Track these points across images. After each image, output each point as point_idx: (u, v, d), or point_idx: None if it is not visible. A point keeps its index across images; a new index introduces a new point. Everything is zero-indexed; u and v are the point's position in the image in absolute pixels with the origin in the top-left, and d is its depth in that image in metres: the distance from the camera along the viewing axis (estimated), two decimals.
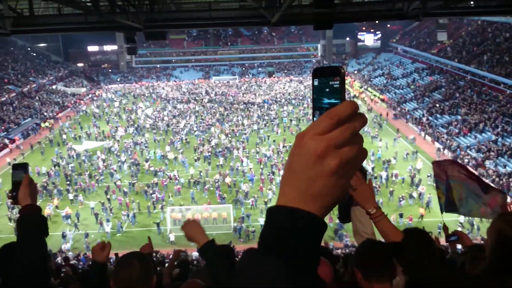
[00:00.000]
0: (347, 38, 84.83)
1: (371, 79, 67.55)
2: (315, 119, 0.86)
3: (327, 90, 0.87)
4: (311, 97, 0.90)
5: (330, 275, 2.87)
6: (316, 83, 0.89)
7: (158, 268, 8.94)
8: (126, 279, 2.46)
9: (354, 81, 68.95)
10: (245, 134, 42.94)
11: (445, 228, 5.69)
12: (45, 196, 31.27)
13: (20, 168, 2.38)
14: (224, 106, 55.53)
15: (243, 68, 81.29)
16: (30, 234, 2.18)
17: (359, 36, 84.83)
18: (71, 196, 31.06)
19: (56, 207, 29.42)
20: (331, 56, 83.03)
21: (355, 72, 75.72)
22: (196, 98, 61.10)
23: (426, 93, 52.00)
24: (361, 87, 64.21)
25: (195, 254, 21.37)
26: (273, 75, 77.81)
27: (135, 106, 57.66)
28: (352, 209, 3.22)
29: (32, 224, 2.22)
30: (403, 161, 35.63)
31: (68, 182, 32.89)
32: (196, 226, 2.84)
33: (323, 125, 0.81)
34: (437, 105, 47.01)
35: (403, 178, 32.26)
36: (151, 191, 31.08)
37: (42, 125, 50.17)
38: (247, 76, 77.43)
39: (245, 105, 55.76)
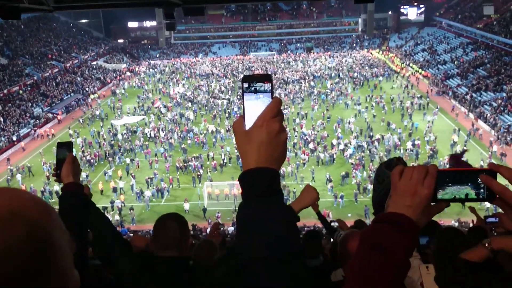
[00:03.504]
0: (389, 12, 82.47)
1: (413, 54, 65.62)
2: (245, 109, 1.20)
3: (261, 90, 1.20)
4: (242, 95, 1.21)
5: None
6: (246, 85, 1.20)
7: (194, 242, 9.05)
8: (163, 238, 2.57)
9: (395, 56, 67.17)
10: (285, 111, 42.53)
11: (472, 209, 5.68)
12: (97, 164, 33.44)
13: (64, 147, 2.40)
14: None
15: (281, 44, 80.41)
16: (72, 211, 2.23)
17: (402, 10, 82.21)
18: (128, 160, 32.89)
19: (120, 178, 30.66)
20: (372, 31, 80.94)
21: (397, 47, 73.75)
22: (234, 74, 61.02)
23: (471, 69, 50.16)
24: (402, 63, 62.52)
25: (231, 229, 21.69)
26: (312, 51, 76.68)
27: (173, 82, 58.24)
28: (387, 204, 3.18)
29: (74, 201, 2.27)
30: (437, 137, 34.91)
31: (120, 151, 34.82)
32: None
33: (275, 111, 1.17)
34: (481, 81, 45.33)
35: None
36: (193, 163, 31.75)
37: (92, 96, 52.59)
38: (284, 53, 76.51)
39: (282, 81, 55.37)
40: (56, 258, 0.85)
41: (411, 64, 60.75)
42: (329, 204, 26.22)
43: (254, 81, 1.20)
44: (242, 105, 1.22)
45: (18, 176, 31.25)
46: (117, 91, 54.73)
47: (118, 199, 27.97)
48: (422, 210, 1.23)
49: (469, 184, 1.24)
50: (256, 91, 1.20)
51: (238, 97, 48.65)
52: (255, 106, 1.19)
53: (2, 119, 41.08)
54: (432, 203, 1.25)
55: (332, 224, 6.17)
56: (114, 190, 28.78)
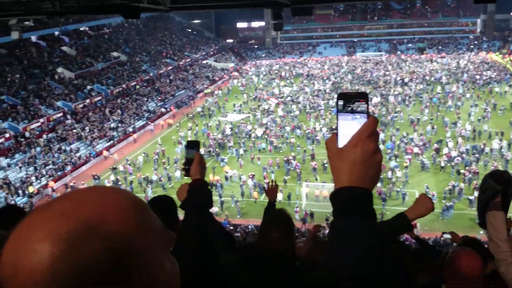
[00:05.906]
0: None
1: None
2: (339, 127, 1.17)
3: (356, 108, 1.17)
4: (336, 112, 1.19)
5: (478, 270, 2.58)
6: (341, 103, 1.18)
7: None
8: (268, 243, 2.69)
9: None
10: (396, 114, 41.13)
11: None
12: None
13: (192, 145, 2.65)
14: (368, 84, 53.99)
15: (391, 44, 77.67)
16: (198, 205, 2.40)
17: None
18: (241, 151, 34.73)
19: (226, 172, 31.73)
20: (492, 33, 75.16)
21: None
22: (339, 75, 60.15)
23: None
24: None
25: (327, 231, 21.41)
26: (424, 52, 73.12)
27: (276, 83, 58.82)
28: (487, 214, 3.11)
29: (201, 195, 2.45)
30: None
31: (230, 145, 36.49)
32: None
33: (370, 130, 1.15)
34: None
35: None
36: (292, 162, 31.87)
37: (206, 91, 56.51)
38: (394, 53, 73.72)
39: (390, 83, 53.47)
40: (138, 266, 0.81)
41: None
42: (434, 216, 24.51)
43: (349, 99, 1.17)
44: (336, 122, 1.19)
45: (140, 158, 34.69)
46: (220, 91, 56.04)
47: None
48: None
49: None
50: (351, 111, 1.17)
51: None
52: (349, 125, 1.16)
53: (120, 112, 44.44)
54: None
55: (445, 236, 5.74)
56: (226, 179, 30.52)
